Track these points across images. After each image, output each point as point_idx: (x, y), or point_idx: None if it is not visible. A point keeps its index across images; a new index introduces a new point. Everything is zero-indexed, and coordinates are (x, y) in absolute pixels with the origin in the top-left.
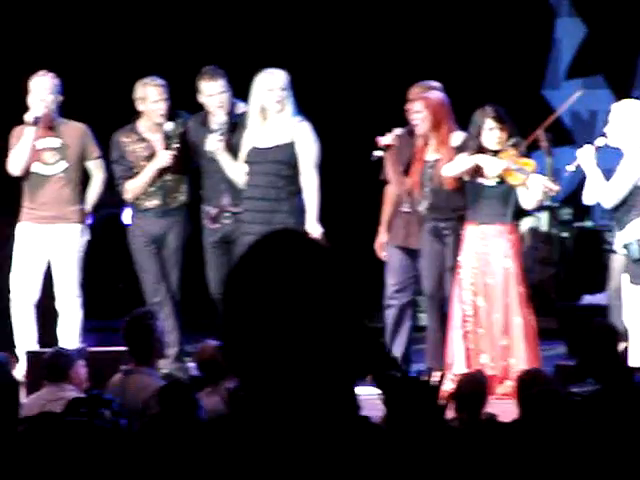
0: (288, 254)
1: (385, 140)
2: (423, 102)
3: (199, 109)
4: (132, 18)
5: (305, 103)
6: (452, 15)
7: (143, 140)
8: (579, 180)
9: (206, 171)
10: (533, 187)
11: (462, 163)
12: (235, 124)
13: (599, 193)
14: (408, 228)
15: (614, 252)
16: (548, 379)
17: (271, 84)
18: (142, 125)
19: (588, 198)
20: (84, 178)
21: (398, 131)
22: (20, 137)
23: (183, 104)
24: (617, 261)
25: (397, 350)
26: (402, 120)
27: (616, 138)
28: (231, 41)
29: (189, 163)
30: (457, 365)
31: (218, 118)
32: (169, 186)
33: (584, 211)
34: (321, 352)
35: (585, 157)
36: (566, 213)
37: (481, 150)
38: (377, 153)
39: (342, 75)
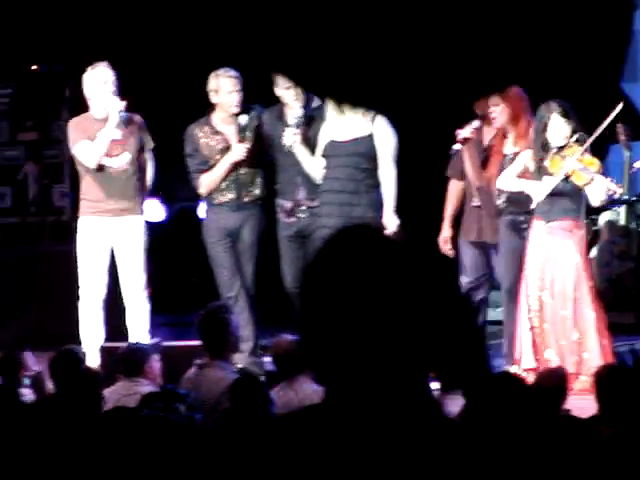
0: (365, 249)
1: (464, 133)
2: (501, 95)
3: (275, 102)
4: (205, 9)
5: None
6: (529, 8)
7: (217, 133)
8: None
9: (281, 165)
10: (597, 187)
11: (511, 185)
12: (312, 117)
13: None
14: (481, 223)
15: None
16: (627, 374)
17: None
18: (216, 118)
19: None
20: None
21: (476, 124)
22: (84, 130)
23: (259, 97)
24: None
25: None
26: (469, 115)
27: None
28: (309, 33)
29: (264, 156)
30: (525, 360)
31: (294, 111)
32: (243, 180)
33: None
34: (398, 346)
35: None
36: None
37: (546, 145)
38: (456, 147)
39: (414, 69)
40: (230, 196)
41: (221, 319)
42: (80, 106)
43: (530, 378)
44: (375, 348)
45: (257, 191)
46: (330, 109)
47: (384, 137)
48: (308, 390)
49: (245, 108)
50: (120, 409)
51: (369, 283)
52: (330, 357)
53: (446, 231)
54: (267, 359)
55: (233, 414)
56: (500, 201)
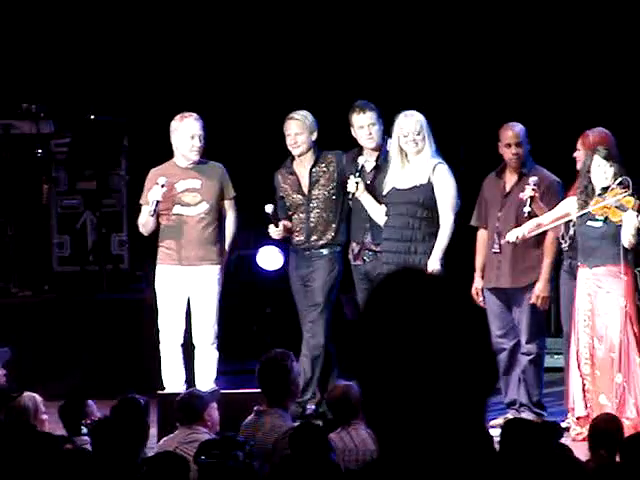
0: (414, 292)
1: (528, 193)
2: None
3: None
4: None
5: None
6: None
7: (292, 175)
8: None
9: (353, 208)
10: (628, 224)
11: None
12: (379, 165)
13: None
14: (500, 269)
15: None
16: None
17: (405, 128)
18: (294, 161)
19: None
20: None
21: (532, 180)
22: (154, 181)
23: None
24: None
25: (510, 395)
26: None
27: None
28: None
29: (340, 200)
30: (577, 408)
31: (362, 158)
32: (318, 223)
33: None
34: (453, 389)
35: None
36: None
37: (589, 187)
38: (527, 209)
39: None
40: (302, 239)
41: (282, 366)
42: (139, 156)
43: (582, 426)
44: (430, 390)
45: (330, 235)
46: (394, 156)
47: (443, 186)
48: (364, 435)
49: (317, 154)
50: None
51: (419, 326)
52: (385, 401)
53: (478, 282)
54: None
55: (293, 461)
56: (564, 245)
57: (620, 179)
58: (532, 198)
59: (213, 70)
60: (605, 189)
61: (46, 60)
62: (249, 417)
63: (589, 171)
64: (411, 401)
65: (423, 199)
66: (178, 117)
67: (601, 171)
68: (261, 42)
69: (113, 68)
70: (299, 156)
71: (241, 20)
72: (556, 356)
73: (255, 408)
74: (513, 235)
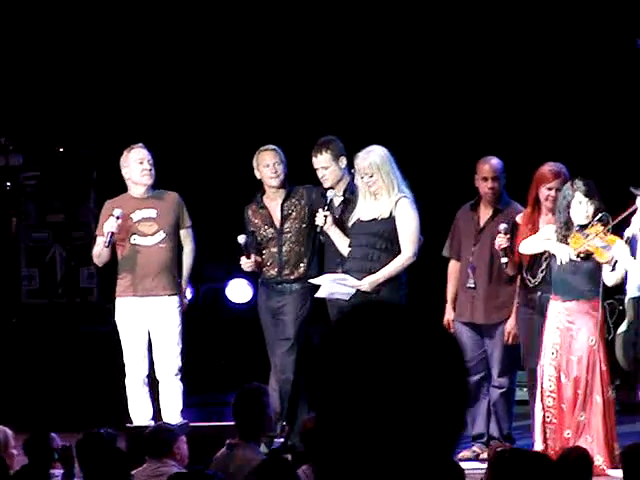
0: (376, 325)
1: (502, 242)
2: (564, 180)
3: None
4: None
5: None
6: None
7: (263, 209)
8: None
9: (325, 242)
10: (615, 265)
11: (535, 246)
12: (348, 199)
13: None
14: (473, 304)
15: None
16: None
17: (360, 170)
18: (265, 194)
19: (633, 289)
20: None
21: (502, 227)
22: (109, 213)
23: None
24: None
25: (478, 428)
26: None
27: None
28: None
29: (311, 233)
30: (536, 442)
31: (329, 192)
32: (290, 257)
33: None
34: (426, 420)
35: (619, 250)
36: None
37: (568, 223)
38: (504, 260)
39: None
40: (273, 273)
41: (258, 400)
42: (107, 188)
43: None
44: (392, 423)
45: (302, 269)
46: (359, 189)
47: (404, 220)
48: None
49: (289, 188)
50: None
51: (384, 358)
52: (345, 434)
53: (449, 313)
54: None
55: None
56: (536, 279)
57: (600, 215)
58: (507, 247)
59: (183, 104)
60: (584, 225)
61: (14, 93)
62: (220, 450)
63: (569, 207)
64: (380, 435)
65: (383, 231)
66: (125, 151)
67: (582, 209)
68: (228, 77)
69: (82, 101)
70: (278, 187)
71: (209, 56)
72: (525, 389)
73: (227, 441)
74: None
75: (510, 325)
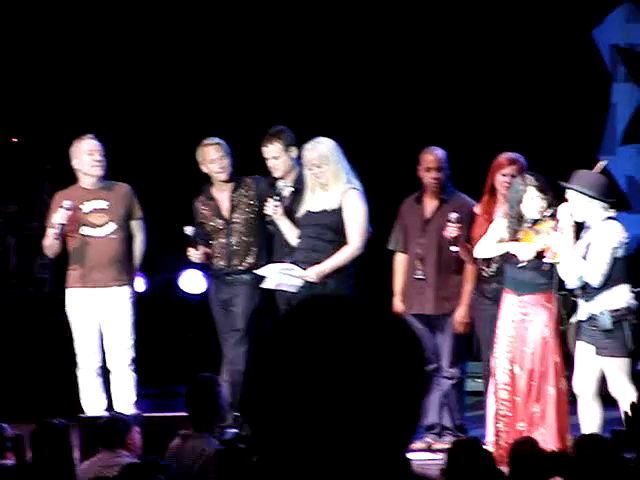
0: (327, 319)
1: (452, 232)
2: (520, 167)
3: None
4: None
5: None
6: (511, 82)
7: (212, 201)
8: (636, 246)
9: (274, 233)
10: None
11: (494, 249)
12: (298, 189)
13: (583, 273)
14: (423, 295)
15: None
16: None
17: (307, 162)
18: (213, 186)
19: (572, 281)
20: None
21: (453, 217)
22: (59, 204)
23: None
24: None
25: (430, 418)
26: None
27: (579, 213)
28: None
29: (260, 224)
30: (488, 433)
31: (279, 182)
32: (239, 247)
33: None
34: (382, 413)
35: (558, 242)
36: None
37: (520, 218)
38: (454, 249)
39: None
40: (221, 263)
41: (211, 391)
42: (62, 179)
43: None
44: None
45: (251, 259)
46: (307, 181)
47: (352, 211)
48: None
49: (236, 179)
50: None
51: (336, 353)
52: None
53: (398, 306)
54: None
55: None
56: (491, 270)
57: (552, 211)
58: (457, 236)
59: (134, 95)
60: (536, 220)
61: None
62: (174, 441)
63: (521, 201)
64: (335, 429)
65: (331, 222)
66: (75, 141)
67: (535, 204)
68: (176, 68)
69: (36, 92)
70: (226, 181)
71: (155, 48)
72: (478, 380)
73: (181, 432)
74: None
75: (460, 315)
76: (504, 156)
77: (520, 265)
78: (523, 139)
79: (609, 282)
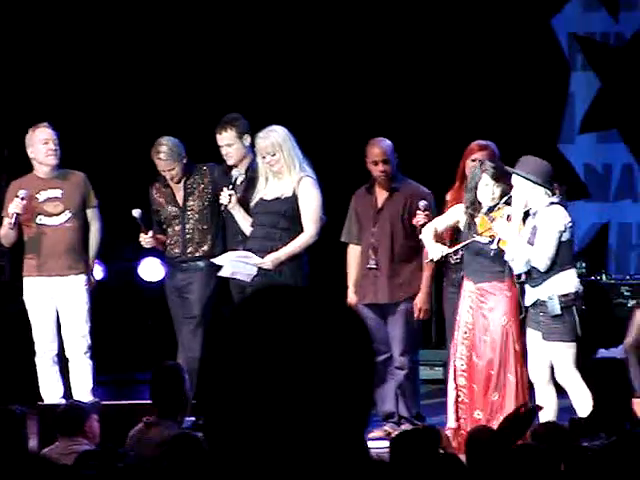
0: (278, 307)
1: (420, 220)
2: (491, 153)
3: None
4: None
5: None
6: (469, 70)
7: (167, 188)
8: (594, 234)
9: (227, 221)
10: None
11: (424, 237)
12: (252, 178)
13: (530, 257)
14: (377, 284)
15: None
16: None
17: (260, 150)
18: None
19: (519, 266)
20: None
21: (422, 205)
22: (14, 194)
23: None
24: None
25: (387, 407)
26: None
27: (524, 199)
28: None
29: (215, 211)
30: (449, 420)
31: (234, 171)
32: (194, 235)
33: (598, 265)
34: (334, 401)
35: (502, 228)
36: (580, 267)
37: (476, 204)
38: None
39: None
40: (176, 251)
41: (176, 378)
42: (18, 168)
43: (454, 438)
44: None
45: (206, 247)
46: (262, 169)
47: (306, 199)
48: None
49: (189, 168)
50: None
51: (290, 341)
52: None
53: (352, 297)
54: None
55: (170, 471)
56: (455, 258)
57: (506, 198)
58: (425, 224)
59: (88, 83)
60: (492, 208)
61: None
62: (137, 428)
63: (476, 187)
64: (287, 419)
65: (285, 210)
66: (30, 130)
67: (489, 190)
68: (130, 56)
69: None
70: (177, 183)
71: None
72: (437, 368)
73: (145, 419)
74: (437, 254)
75: (421, 300)
76: (475, 142)
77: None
78: (482, 127)
79: (556, 267)
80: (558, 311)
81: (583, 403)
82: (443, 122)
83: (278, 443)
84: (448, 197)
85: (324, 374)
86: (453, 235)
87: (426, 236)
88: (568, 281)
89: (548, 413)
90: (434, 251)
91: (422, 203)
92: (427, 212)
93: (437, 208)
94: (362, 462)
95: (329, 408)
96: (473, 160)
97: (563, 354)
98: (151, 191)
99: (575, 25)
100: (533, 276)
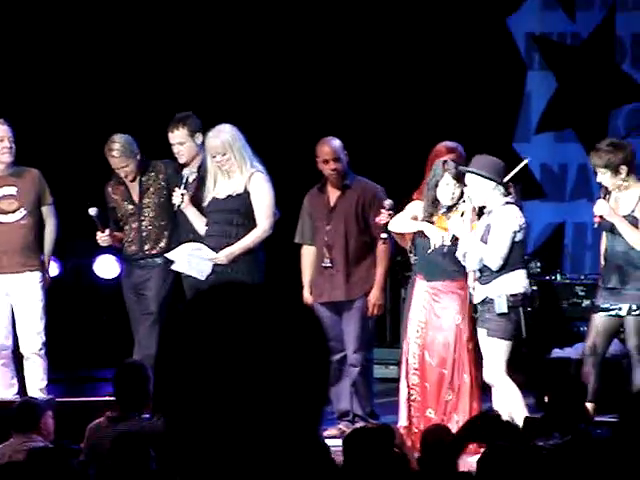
0: (232, 304)
1: (383, 219)
2: (459, 155)
3: None
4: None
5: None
6: (427, 70)
7: (122, 185)
8: (549, 234)
9: (179, 220)
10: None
11: (407, 226)
12: (201, 176)
13: (483, 256)
14: (333, 282)
15: (596, 311)
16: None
17: (210, 150)
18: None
19: (471, 264)
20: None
21: (387, 203)
22: None
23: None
24: (600, 319)
25: (342, 405)
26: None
27: (479, 197)
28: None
29: (171, 208)
30: (400, 418)
31: (184, 171)
32: (151, 232)
33: (553, 264)
34: (287, 398)
35: (456, 225)
36: (535, 266)
37: (436, 202)
38: (384, 236)
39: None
40: (134, 248)
41: (141, 374)
42: None
43: (406, 437)
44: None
45: (163, 244)
46: (211, 169)
47: (258, 194)
48: None
49: (146, 163)
50: (9, 464)
51: (243, 337)
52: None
53: (307, 298)
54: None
55: (114, 468)
56: (413, 258)
57: (465, 198)
58: (387, 224)
59: (43, 79)
60: (450, 207)
61: None
62: (99, 422)
63: (437, 186)
64: (242, 416)
65: (239, 206)
66: None
67: (449, 190)
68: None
69: None
70: (132, 181)
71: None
72: (391, 367)
73: (108, 414)
74: (438, 239)
75: (375, 296)
76: (443, 144)
77: (430, 251)
78: (438, 127)
79: (507, 266)
80: (505, 309)
81: (508, 403)
82: (399, 121)
83: (233, 440)
84: (415, 197)
85: (277, 371)
86: (413, 237)
87: (405, 225)
88: (518, 281)
89: (511, 411)
90: (435, 236)
91: (387, 202)
92: (391, 212)
93: (398, 206)
94: (317, 459)
95: (282, 405)
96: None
97: (499, 351)
98: (107, 189)
99: (532, 25)
100: (484, 274)
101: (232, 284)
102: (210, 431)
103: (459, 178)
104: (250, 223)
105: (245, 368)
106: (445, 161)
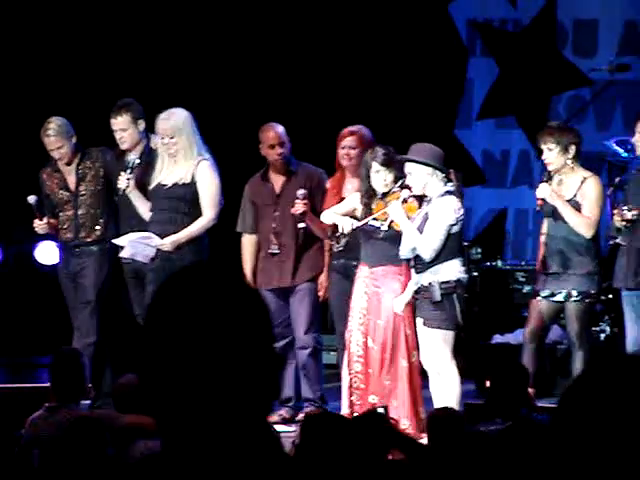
0: (189, 289)
1: (299, 208)
2: (359, 138)
3: None
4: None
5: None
6: (367, 56)
7: (57, 172)
8: (491, 220)
9: (120, 205)
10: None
11: (328, 218)
12: (149, 162)
13: (417, 245)
14: (282, 268)
15: (536, 296)
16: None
17: (161, 131)
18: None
19: (404, 251)
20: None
21: (300, 193)
22: None
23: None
24: (540, 304)
25: (285, 392)
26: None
27: (419, 185)
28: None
29: (107, 195)
30: (342, 406)
31: (130, 155)
32: (86, 219)
33: (494, 250)
34: (237, 384)
35: (395, 211)
36: (476, 252)
37: (370, 190)
38: (301, 225)
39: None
40: (70, 235)
41: (76, 363)
42: None
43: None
44: (209, 386)
45: (99, 232)
46: (161, 152)
47: (204, 182)
48: None
49: (82, 151)
50: None
51: (199, 325)
52: (168, 398)
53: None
54: None
55: (70, 454)
56: (339, 245)
57: (401, 182)
58: (304, 212)
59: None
60: (386, 193)
61: None
62: (38, 413)
63: (369, 176)
64: (195, 397)
65: (185, 194)
66: None
67: (380, 177)
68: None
69: None
70: (66, 164)
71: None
72: (332, 353)
73: (46, 405)
74: (348, 226)
75: (326, 279)
76: (347, 128)
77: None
78: (379, 114)
79: (441, 257)
80: (438, 298)
81: (451, 393)
82: (338, 107)
83: (186, 431)
84: (327, 185)
85: (223, 356)
86: (334, 226)
87: (330, 215)
88: (451, 269)
89: (448, 398)
90: (345, 223)
91: (300, 192)
92: (305, 201)
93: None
94: (265, 446)
95: (230, 393)
96: (342, 147)
97: (440, 341)
98: (42, 176)
99: (473, 11)
100: (418, 262)
101: (185, 272)
102: (178, 392)
103: (388, 164)
104: (196, 211)
105: (197, 352)
106: (372, 149)
